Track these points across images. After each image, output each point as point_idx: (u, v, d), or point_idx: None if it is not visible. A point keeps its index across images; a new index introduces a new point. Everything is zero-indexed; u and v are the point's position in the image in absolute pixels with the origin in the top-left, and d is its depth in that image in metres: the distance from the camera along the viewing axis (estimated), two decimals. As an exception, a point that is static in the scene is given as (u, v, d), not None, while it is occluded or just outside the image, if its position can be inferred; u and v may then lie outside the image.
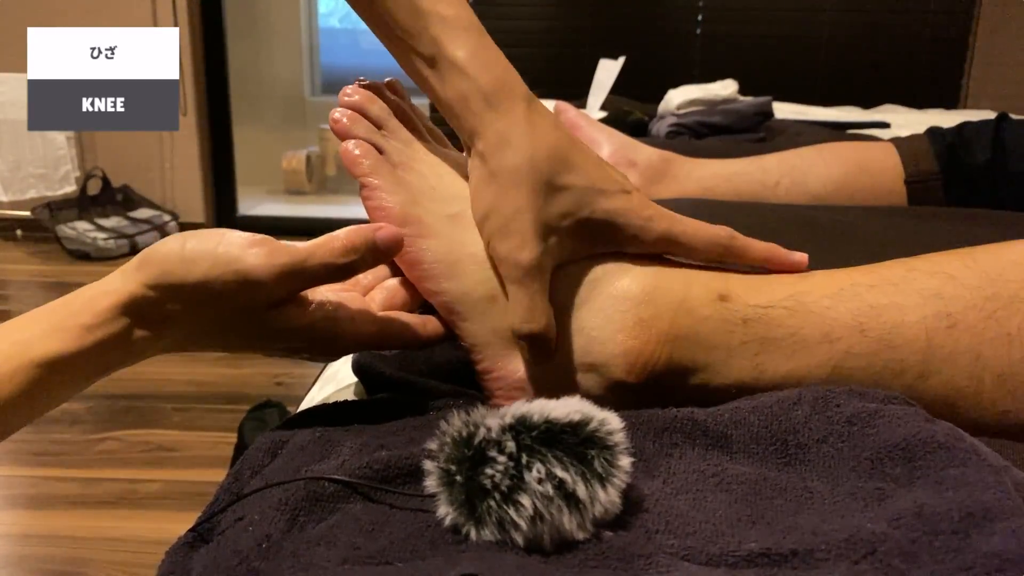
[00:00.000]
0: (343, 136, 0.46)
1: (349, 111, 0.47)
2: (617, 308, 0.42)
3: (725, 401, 0.40)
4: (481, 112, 0.43)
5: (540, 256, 0.42)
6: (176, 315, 0.39)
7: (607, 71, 1.85)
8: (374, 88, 0.49)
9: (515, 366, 0.43)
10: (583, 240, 0.43)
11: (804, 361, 0.40)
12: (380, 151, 0.46)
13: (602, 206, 0.43)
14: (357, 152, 0.46)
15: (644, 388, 0.41)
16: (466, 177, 0.46)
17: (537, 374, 0.43)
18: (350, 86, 0.48)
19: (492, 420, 0.31)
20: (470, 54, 0.43)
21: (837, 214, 0.84)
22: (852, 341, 0.39)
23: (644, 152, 0.98)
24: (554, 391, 0.41)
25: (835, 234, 0.76)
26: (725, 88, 1.54)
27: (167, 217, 3.47)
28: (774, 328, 0.40)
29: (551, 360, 0.43)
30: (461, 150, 0.48)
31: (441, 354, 0.49)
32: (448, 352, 0.49)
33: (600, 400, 0.34)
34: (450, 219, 0.45)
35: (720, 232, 0.45)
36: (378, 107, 0.48)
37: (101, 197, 3.39)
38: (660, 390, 0.41)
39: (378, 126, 0.47)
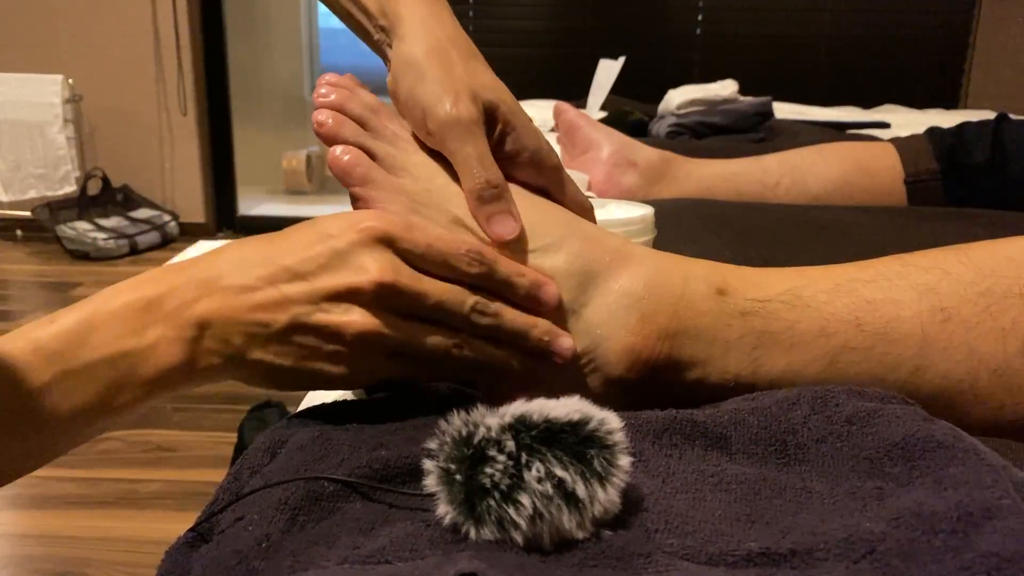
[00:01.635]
0: (330, 141, 0.45)
1: (333, 112, 0.45)
2: (621, 304, 0.42)
3: (723, 396, 0.40)
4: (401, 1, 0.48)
5: (479, 110, 0.44)
6: None
7: (607, 71, 1.85)
8: (346, 85, 0.47)
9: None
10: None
11: (801, 355, 0.40)
12: (371, 156, 0.45)
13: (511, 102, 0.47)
14: (347, 159, 0.44)
15: (642, 383, 0.41)
16: (454, 174, 0.45)
17: (538, 374, 0.43)
18: (323, 85, 0.46)
19: (492, 419, 0.31)
20: None
21: (836, 214, 0.84)
22: (849, 335, 0.40)
23: (644, 152, 0.99)
24: (555, 389, 0.41)
25: (834, 234, 0.76)
26: (725, 88, 1.54)
27: (167, 217, 3.47)
28: (771, 322, 0.41)
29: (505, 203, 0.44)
30: None
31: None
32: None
33: (597, 396, 0.34)
34: (452, 224, 0.44)
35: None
36: (358, 104, 0.46)
37: (101, 197, 3.39)
38: (658, 386, 0.41)
39: (361, 125, 0.46)
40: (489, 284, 0.41)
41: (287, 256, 0.39)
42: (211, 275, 0.39)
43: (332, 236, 0.40)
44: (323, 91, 0.46)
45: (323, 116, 0.45)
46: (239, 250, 0.41)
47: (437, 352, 0.41)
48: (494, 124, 0.46)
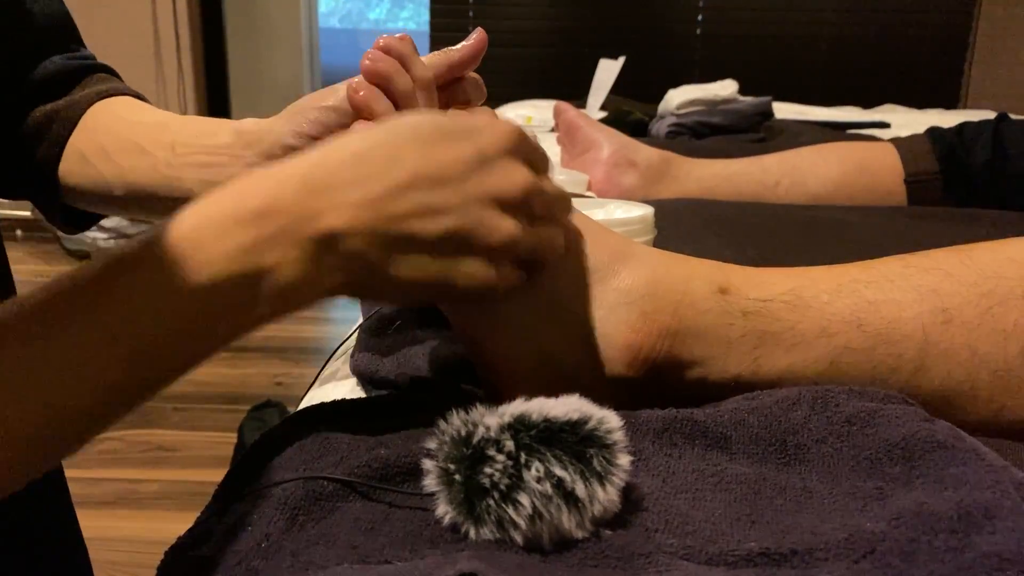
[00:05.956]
0: (360, 113, 0.43)
1: (370, 85, 0.43)
2: (621, 301, 0.42)
3: (723, 395, 0.40)
4: None
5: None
6: None
7: (607, 71, 1.85)
8: (399, 55, 0.45)
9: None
10: None
11: (802, 355, 0.40)
12: None
13: None
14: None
15: (641, 381, 0.41)
16: None
17: (537, 368, 0.42)
18: (375, 48, 0.44)
19: (491, 419, 0.31)
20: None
21: (837, 214, 0.84)
22: (850, 336, 0.40)
23: (644, 152, 0.99)
24: (553, 386, 0.41)
25: (834, 234, 0.76)
26: (725, 88, 1.54)
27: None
28: (773, 322, 0.41)
29: None
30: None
31: (439, 350, 0.49)
32: (445, 348, 0.49)
33: (597, 395, 0.34)
34: None
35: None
36: (402, 80, 0.44)
37: (101, 197, 3.38)
38: (657, 384, 0.41)
39: (396, 103, 0.44)
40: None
41: (422, 159, 0.36)
42: (330, 183, 0.34)
43: (476, 139, 0.37)
44: (373, 55, 0.43)
45: (359, 85, 0.43)
46: (354, 152, 0.36)
47: (543, 253, 0.39)
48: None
